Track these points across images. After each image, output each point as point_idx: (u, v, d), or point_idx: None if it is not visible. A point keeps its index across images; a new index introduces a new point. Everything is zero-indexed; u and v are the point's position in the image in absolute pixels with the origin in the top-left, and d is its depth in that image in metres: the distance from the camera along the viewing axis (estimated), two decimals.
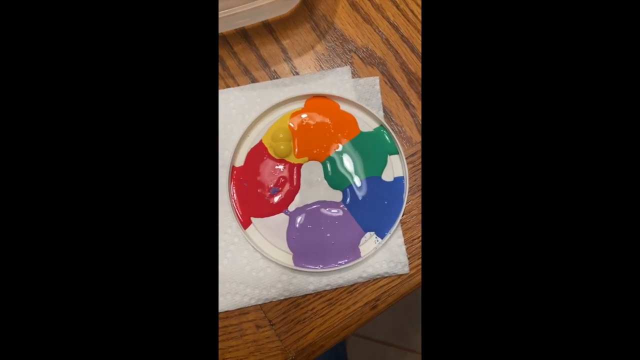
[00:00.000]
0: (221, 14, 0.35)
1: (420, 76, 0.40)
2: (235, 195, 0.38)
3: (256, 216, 0.37)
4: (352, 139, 0.38)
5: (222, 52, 0.40)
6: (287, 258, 0.37)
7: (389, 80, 0.40)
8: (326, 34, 0.40)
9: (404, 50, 0.40)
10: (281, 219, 0.37)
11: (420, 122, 0.39)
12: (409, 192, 0.38)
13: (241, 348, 0.37)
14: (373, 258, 0.37)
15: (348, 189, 0.38)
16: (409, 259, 0.37)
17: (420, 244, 0.38)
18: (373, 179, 0.38)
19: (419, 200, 0.38)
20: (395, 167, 0.38)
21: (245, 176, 0.38)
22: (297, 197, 0.38)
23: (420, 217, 0.38)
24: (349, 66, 0.40)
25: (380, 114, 0.39)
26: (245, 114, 0.39)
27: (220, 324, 0.37)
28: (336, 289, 0.37)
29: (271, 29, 0.41)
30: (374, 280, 0.37)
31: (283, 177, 0.38)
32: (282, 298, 0.37)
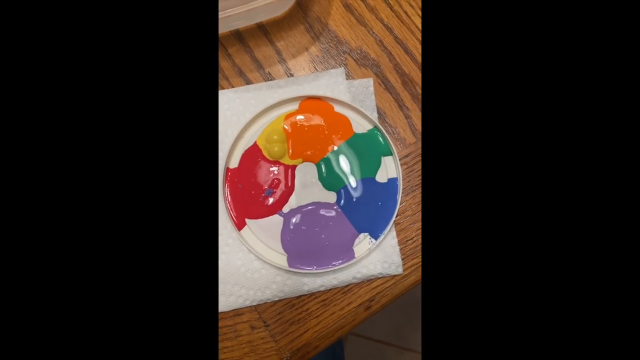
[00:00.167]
0: None
1: (413, 78, 0.40)
2: (229, 196, 0.38)
3: (250, 217, 0.38)
4: (347, 140, 0.38)
5: None
6: (281, 259, 0.37)
7: (382, 82, 0.40)
8: (320, 35, 0.41)
9: (397, 52, 0.40)
10: (275, 220, 0.38)
11: (414, 124, 0.39)
12: (402, 193, 0.38)
13: (236, 349, 0.37)
14: (367, 259, 0.37)
15: (342, 190, 0.38)
16: (402, 259, 0.37)
17: (414, 244, 0.38)
18: (367, 180, 0.38)
19: (413, 201, 0.38)
20: (389, 168, 0.38)
21: (239, 178, 0.38)
22: (292, 199, 0.38)
23: (414, 218, 0.38)
24: (343, 68, 0.40)
25: (374, 116, 0.39)
26: (240, 116, 0.39)
27: None
28: (330, 289, 0.37)
29: (265, 31, 0.41)
30: (368, 281, 0.38)
31: (277, 178, 0.38)
32: (276, 299, 0.37)
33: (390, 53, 0.40)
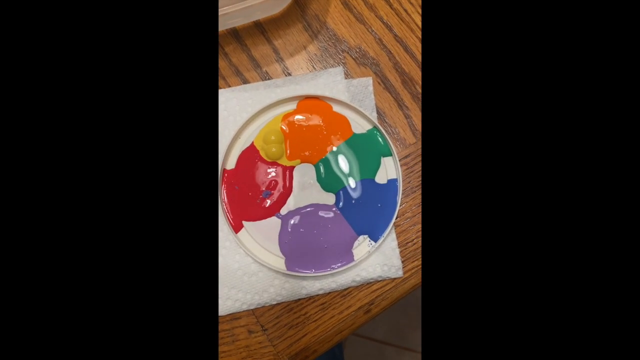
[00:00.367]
0: None
1: (413, 76, 0.39)
2: (226, 198, 0.37)
3: (248, 220, 0.37)
4: (345, 141, 0.38)
5: None
6: (279, 262, 0.36)
7: (382, 81, 0.39)
8: (318, 34, 0.40)
9: (397, 50, 0.39)
10: (273, 222, 0.37)
11: (414, 123, 0.39)
12: (402, 194, 0.37)
13: (233, 353, 0.36)
14: (366, 262, 0.37)
15: (341, 192, 0.37)
16: (402, 262, 0.37)
17: (414, 247, 0.37)
18: (366, 182, 0.37)
19: (413, 202, 0.38)
20: (389, 169, 0.38)
21: (236, 179, 0.37)
22: (289, 200, 0.37)
23: (414, 220, 0.37)
24: (341, 67, 0.39)
25: (373, 115, 0.38)
26: (237, 116, 0.38)
27: None
28: (329, 293, 0.37)
29: (262, 29, 0.40)
30: (368, 284, 0.37)
31: (275, 180, 0.37)
32: (274, 303, 0.36)
33: (390, 51, 0.39)
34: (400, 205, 0.37)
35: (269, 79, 0.39)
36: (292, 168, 0.37)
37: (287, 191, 0.37)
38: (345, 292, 0.37)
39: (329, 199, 0.37)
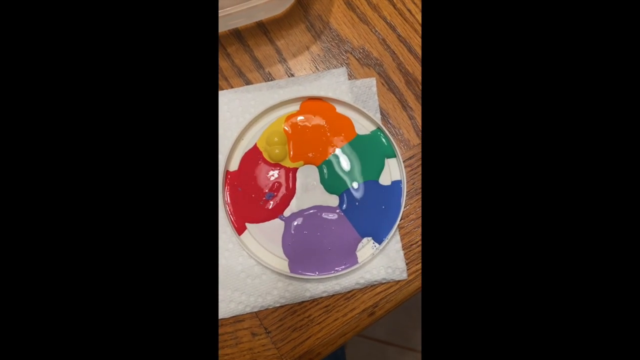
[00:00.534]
0: None
1: (417, 77, 0.39)
2: (229, 200, 0.37)
3: (251, 222, 0.37)
4: (349, 142, 0.37)
5: None
6: (282, 264, 0.36)
7: (386, 82, 0.39)
8: (321, 34, 0.39)
9: (401, 51, 0.39)
10: (276, 224, 0.37)
11: (418, 124, 0.38)
12: (407, 196, 0.37)
13: (237, 356, 0.36)
14: (370, 264, 0.36)
15: (345, 194, 0.37)
16: (407, 264, 0.37)
17: (418, 249, 0.37)
18: (370, 183, 0.37)
19: (417, 204, 0.37)
20: (393, 171, 0.37)
21: (239, 181, 0.37)
22: (293, 202, 0.37)
23: (418, 221, 0.37)
24: (345, 67, 0.39)
25: (377, 116, 0.38)
26: (239, 117, 0.38)
27: None
28: (333, 295, 0.37)
29: (265, 30, 0.40)
30: (372, 286, 0.37)
31: (278, 181, 0.37)
32: (278, 305, 0.36)
33: (394, 52, 0.39)
34: (404, 207, 0.37)
35: (271, 79, 0.39)
36: (295, 170, 0.37)
37: (290, 193, 0.37)
38: (349, 295, 0.37)
39: (333, 200, 0.37)
